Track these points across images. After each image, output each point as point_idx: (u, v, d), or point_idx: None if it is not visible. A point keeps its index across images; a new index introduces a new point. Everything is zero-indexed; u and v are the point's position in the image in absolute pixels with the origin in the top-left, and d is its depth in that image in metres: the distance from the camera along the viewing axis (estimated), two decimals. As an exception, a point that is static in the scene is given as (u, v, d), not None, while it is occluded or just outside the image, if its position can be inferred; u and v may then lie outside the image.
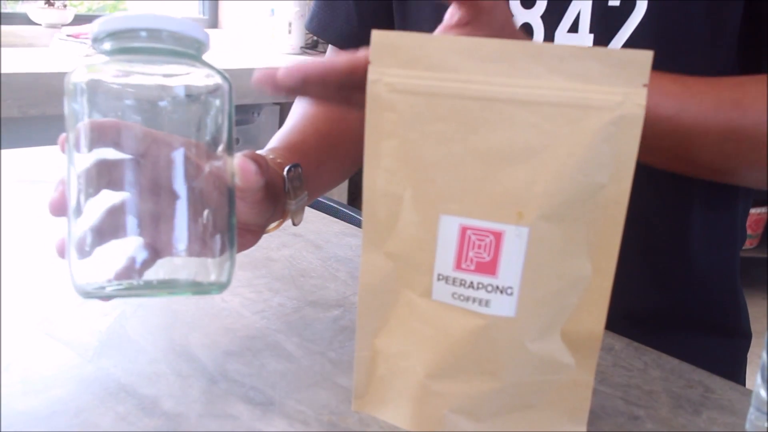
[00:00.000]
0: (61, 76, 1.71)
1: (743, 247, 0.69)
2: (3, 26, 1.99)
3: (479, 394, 0.40)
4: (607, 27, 0.57)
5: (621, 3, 0.57)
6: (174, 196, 0.42)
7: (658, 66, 0.48)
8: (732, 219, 0.64)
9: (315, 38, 2.37)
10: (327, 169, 0.62)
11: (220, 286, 0.44)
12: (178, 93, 0.42)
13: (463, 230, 0.37)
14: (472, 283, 0.38)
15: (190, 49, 0.42)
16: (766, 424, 0.36)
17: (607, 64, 0.35)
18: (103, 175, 0.42)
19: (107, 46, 0.41)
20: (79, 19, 2.12)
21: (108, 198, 0.42)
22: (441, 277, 0.39)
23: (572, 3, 0.58)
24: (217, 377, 0.46)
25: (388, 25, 0.71)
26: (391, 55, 0.37)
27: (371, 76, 0.38)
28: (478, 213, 0.37)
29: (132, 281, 0.42)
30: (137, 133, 0.41)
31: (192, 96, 0.42)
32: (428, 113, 0.37)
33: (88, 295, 0.42)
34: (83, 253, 0.42)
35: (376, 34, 0.37)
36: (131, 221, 0.42)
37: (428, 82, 0.37)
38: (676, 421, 0.44)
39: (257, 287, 0.59)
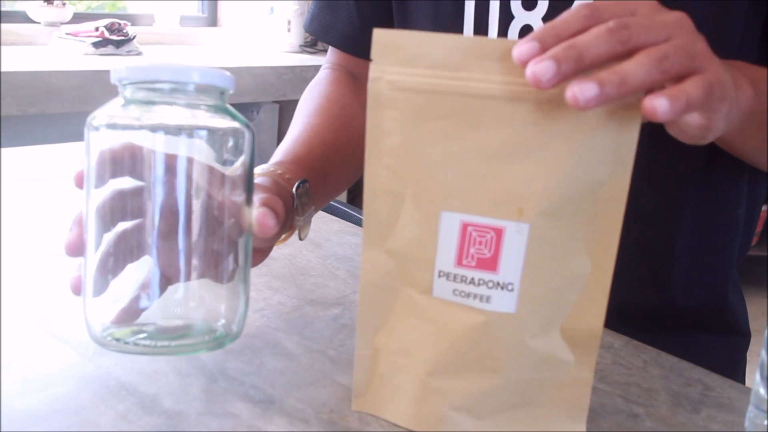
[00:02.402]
0: (60, 74, 1.69)
1: (743, 246, 0.69)
2: (2, 24, 1.98)
3: (480, 392, 0.40)
4: None
5: None
6: (188, 219, 0.41)
7: None
8: (731, 217, 0.64)
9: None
10: (333, 179, 0.62)
11: (234, 336, 0.44)
12: (199, 140, 0.41)
13: (464, 227, 0.37)
14: (473, 279, 0.38)
15: (212, 98, 0.42)
16: (765, 422, 0.36)
17: None
18: (120, 207, 0.41)
19: (128, 92, 0.41)
20: (78, 18, 2.12)
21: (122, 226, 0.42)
22: (442, 273, 0.39)
23: (574, 4, 0.58)
24: (217, 375, 0.46)
25: (389, 25, 0.71)
26: (392, 54, 0.37)
27: (372, 74, 0.38)
28: (478, 209, 0.37)
29: (145, 327, 0.42)
30: (153, 156, 0.41)
31: (212, 143, 0.41)
32: (429, 111, 0.37)
33: (102, 342, 0.42)
34: (99, 288, 0.41)
35: (378, 33, 0.37)
36: (145, 242, 0.41)
37: (429, 80, 0.37)
38: (675, 419, 0.44)
39: (257, 285, 0.59)
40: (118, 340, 0.41)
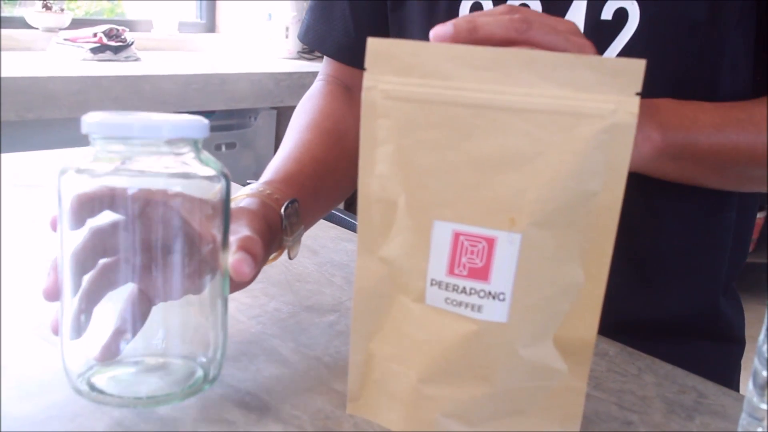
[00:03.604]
0: (58, 80, 1.70)
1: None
2: (1, 30, 1.99)
3: (471, 399, 0.40)
4: (599, 40, 0.58)
5: (613, 17, 0.57)
6: (168, 252, 0.40)
7: (650, 77, 0.49)
8: (717, 221, 0.64)
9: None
10: (324, 196, 0.62)
11: (211, 381, 0.43)
12: (171, 199, 0.40)
13: (456, 236, 0.38)
14: (464, 288, 0.38)
15: (186, 146, 0.41)
16: (758, 430, 0.36)
17: (600, 72, 0.36)
18: (98, 247, 0.41)
19: (99, 145, 0.40)
20: (77, 23, 2.12)
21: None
22: (434, 282, 0.39)
23: (566, 16, 0.59)
24: (213, 382, 0.46)
25: (385, 35, 0.71)
26: (386, 63, 0.38)
27: (366, 83, 0.38)
28: (471, 219, 0.37)
29: (126, 369, 0.42)
30: (130, 195, 0.40)
31: (187, 192, 0.41)
32: (422, 120, 0.37)
33: (79, 389, 0.41)
34: (77, 329, 0.41)
35: (372, 42, 0.38)
36: (122, 277, 0.40)
37: (422, 90, 0.37)
38: (669, 427, 0.44)
39: (253, 292, 0.59)
40: (93, 388, 0.41)
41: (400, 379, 0.41)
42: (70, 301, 0.41)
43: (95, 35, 1.92)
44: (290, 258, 0.55)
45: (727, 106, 0.56)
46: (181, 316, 0.43)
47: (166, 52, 2.33)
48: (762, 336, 0.35)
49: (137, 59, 1.99)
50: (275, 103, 1.99)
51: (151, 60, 2.03)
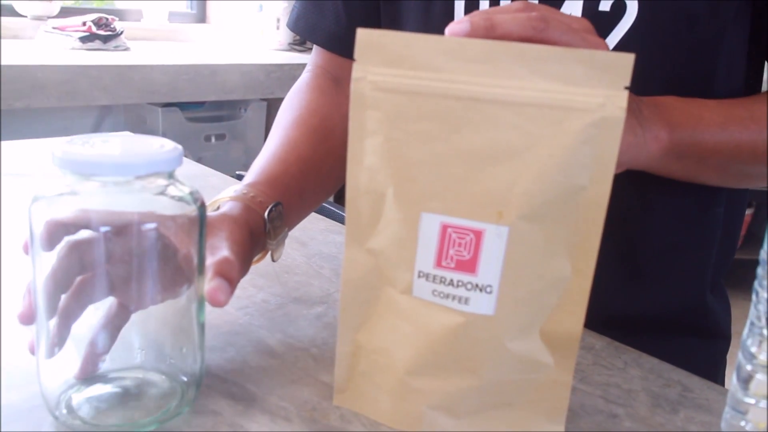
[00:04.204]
0: (47, 68, 1.69)
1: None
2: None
3: (458, 392, 0.40)
4: (597, 31, 0.58)
5: (611, 8, 0.57)
6: (145, 269, 0.39)
7: (647, 71, 0.49)
8: (707, 216, 0.65)
9: (303, 34, 2.36)
10: (310, 195, 0.62)
11: (189, 402, 0.42)
12: (146, 221, 0.39)
13: (444, 228, 0.38)
14: (452, 280, 0.38)
15: (160, 178, 0.39)
16: (741, 423, 0.36)
17: (590, 67, 0.36)
18: (75, 264, 0.39)
19: (70, 179, 0.38)
20: (65, 12, 2.11)
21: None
22: (422, 274, 0.39)
23: (563, 5, 0.58)
24: (199, 373, 0.46)
25: (377, 26, 0.71)
26: (375, 54, 0.38)
27: (356, 74, 0.38)
28: (459, 212, 0.37)
29: (104, 387, 0.41)
30: (102, 217, 0.39)
31: (162, 224, 0.39)
32: (412, 112, 0.37)
33: (55, 412, 0.40)
34: (53, 348, 0.40)
35: (362, 33, 0.38)
36: (100, 287, 0.40)
37: (412, 81, 0.37)
38: (653, 420, 0.45)
39: (241, 283, 0.59)
40: (70, 411, 0.40)
41: (386, 370, 0.42)
42: (46, 324, 0.39)
43: (84, 24, 1.91)
44: (273, 260, 0.55)
45: (730, 104, 0.56)
46: (159, 336, 0.43)
47: (156, 42, 2.32)
48: (746, 330, 0.36)
49: (127, 49, 1.98)
50: (265, 94, 1.98)
51: (140, 50, 2.02)
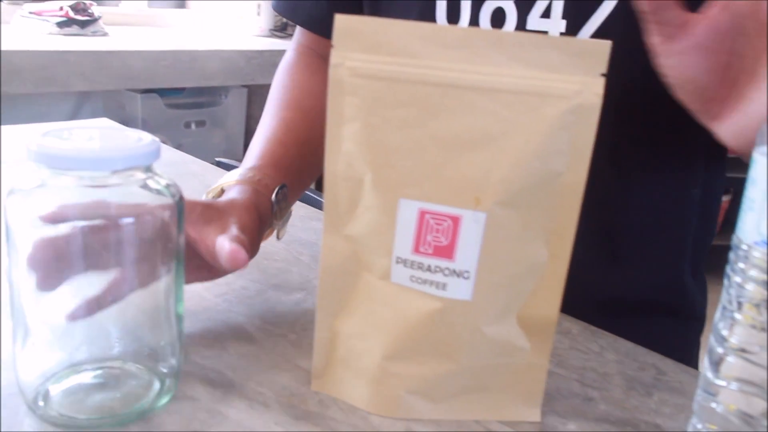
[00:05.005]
0: (23, 54, 1.65)
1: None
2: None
3: (435, 376, 0.40)
4: (579, 13, 0.58)
5: None
6: (123, 261, 0.39)
7: (629, 53, 0.49)
8: (684, 197, 0.65)
9: (284, 21, 2.35)
10: (306, 176, 0.64)
11: (169, 390, 0.42)
12: (123, 213, 0.38)
13: (422, 214, 0.38)
14: (429, 266, 0.38)
15: (137, 172, 0.39)
16: (712, 405, 0.37)
17: (567, 53, 0.36)
18: (50, 253, 0.39)
19: (45, 174, 0.38)
20: (42, -4, 2.07)
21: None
22: (399, 260, 0.39)
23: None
24: (178, 359, 0.46)
25: (358, 7, 0.71)
26: (353, 40, 0.37)
27: (334, 60, 0.38)
28: (436, 198, 0.38)
29: (82, 377, 0.41)
30: (80, 212, 0.38)
31: (138, 219, 0.39)
32: (389, 98, 0.37)
33: (32, 403, 0.40)
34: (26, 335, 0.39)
35: (339, 18, 0.37)
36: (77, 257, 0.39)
37: (390, 68, 0.37)
38: (628, 403, 0.45)
39: (220, 270, 0.59)
40: (47, 403, 0.40)
41: (364, 356, 0.42)
42: (23, 315, 0.39)
43: (61, 9, 1.88)
44: (278, 239, 0.57)
45: None
46: (138, 327, 0.42)
47: (135, 27, 2.29)
48: (717, 314, 0.36)
49: (105, 34, 1.95)
50: (246, 81, 1.96)
51: (119, 35, 2.00)
